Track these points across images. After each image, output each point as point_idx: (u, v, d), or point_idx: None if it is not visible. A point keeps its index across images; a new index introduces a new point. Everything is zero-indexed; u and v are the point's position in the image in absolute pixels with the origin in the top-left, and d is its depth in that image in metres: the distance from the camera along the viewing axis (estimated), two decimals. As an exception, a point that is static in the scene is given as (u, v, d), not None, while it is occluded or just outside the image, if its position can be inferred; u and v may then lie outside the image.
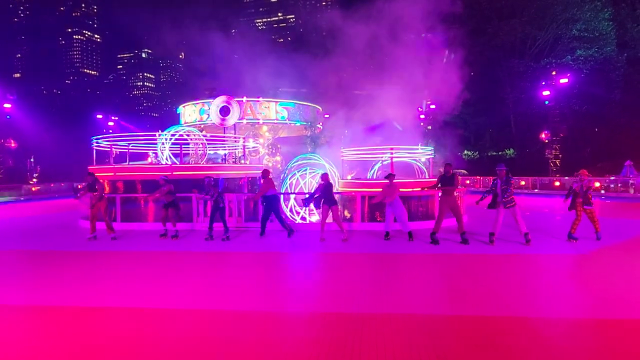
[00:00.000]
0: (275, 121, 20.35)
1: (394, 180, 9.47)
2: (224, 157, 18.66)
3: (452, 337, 4.16)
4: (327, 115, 26.00)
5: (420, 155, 13.83)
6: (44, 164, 42.81)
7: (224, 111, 17.85)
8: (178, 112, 22.79)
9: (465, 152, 38.38)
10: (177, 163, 13.79)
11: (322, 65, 24.95)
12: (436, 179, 9.39)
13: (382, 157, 13.42)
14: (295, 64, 28.41)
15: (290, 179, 12.82)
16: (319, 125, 22.75)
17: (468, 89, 22.19)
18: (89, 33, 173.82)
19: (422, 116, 32.61)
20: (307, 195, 10.15)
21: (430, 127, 33.71)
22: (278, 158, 21.60)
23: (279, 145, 22.47)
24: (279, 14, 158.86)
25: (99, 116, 43.86)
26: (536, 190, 25.03)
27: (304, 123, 21.27)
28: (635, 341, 4.05)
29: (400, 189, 9.78)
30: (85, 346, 4.05)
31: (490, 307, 5.01)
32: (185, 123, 20.50)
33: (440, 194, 9.09)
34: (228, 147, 17.63)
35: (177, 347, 3.99)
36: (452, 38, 23.81)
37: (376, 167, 13.90)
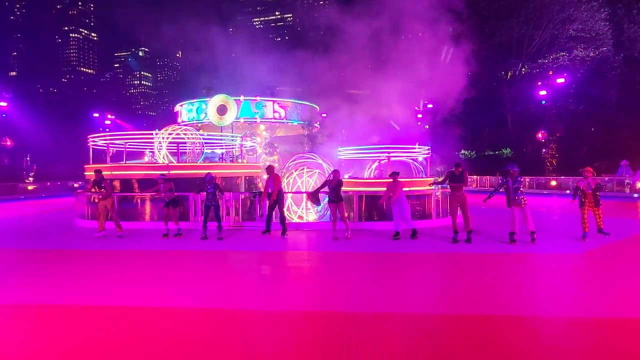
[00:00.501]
0: (273, 120, 20.30)
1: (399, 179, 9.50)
2: (221, 156, 18.61)
3: (451, 336, 4.16)
4: (324, 115, 25.96)
5: (417, 154, 13.85)
6: (40, 162, 42.56)
7: (221, 110, 17.81)
8: (175, 111, 22.71)
9: (463, 151, 38.46)
10: (174, 162, 13.75)
11: (319, 64, 24.93)
12: (443, 177, 9.49)
13: (379, 156, 13.42)
14: (293, 63, 28.38)
15: (287, 178, 12.81)
16: (316, 125, 22.72)
17: (465, 88, 22.21)
18: (86, 31, 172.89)
19: (420, 115, 32.68)
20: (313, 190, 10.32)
21: (427, 127, 33.77)
22: (275, 157, 21.53)
23: (276, 145, 22.39)
24: (277, 13, 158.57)
25: (96, 115, 43.67)
26: (533, 190, 25.19)
27: (302, 122, 21.24)
28: (633, 340, 4.07)
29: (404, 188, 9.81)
30: (83, 344, 4.03)
31: (489, 306, 5.01)
32: (182, 122, 20.43)
33: (449, 192, 9.14)
34: (225, 146, 17.58)
35: (175, 346, 3.97)
36: (450, 37, 23.84)
37: (373, 166, 13.91)
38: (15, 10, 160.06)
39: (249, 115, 19.65)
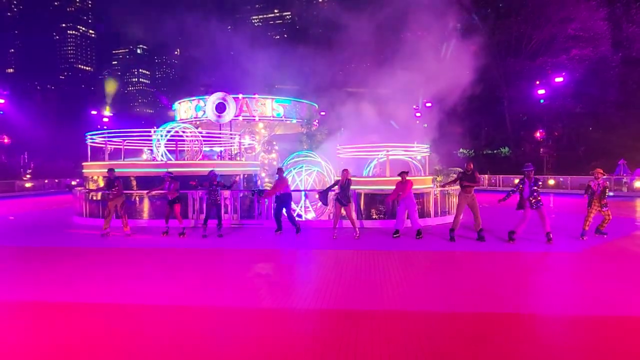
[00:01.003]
0: (271, 118, 20.28)
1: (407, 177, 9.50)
2: (219, 154, 18.57)
3: (449, 334, 4.16)
4: (323, 113, 25.94)
5: (416, 153, 13.85)
6: (38, 160, 42.42)
7: (220, 108, 17.77)
8: (174, 109, 22.66)
9: (461, 150, 38.49)
10: (173, 159, 13.72)
11: (318, 62, 24.90)
12: (455, 176, 9.49)
13: (378, 154, 13.42)
14: (292, 61, 28.33)
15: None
16: (315, 123, 22.70)
17: (464, 87, 22.21)
18: (84, 28, 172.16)
19: (418, 114, 32.67)
20: (323, 189, 10.45)
21: (426, 125, 33.74)
22: (274, 155, 21.50)
23: (274, 143, 22.37)
24: (275, 11, 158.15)
25: (94, 112, 43.54)
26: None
27: (300, 120, 21.22)
28: (633, 339, 4.08)
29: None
30: (80, 343, 4.01)
31: (489, 304, 5.02)
32: (181, 119, 20.38)
33: (460, 191, 9.15)
34: (224, 143, 17.55)
35: (175, 344, 3.96)
36: (450, 36, 23.87)
37: (372, 164, 13.90)
38: (12, 6, 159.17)
39: (247, 113, 19.62)
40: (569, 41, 33.47)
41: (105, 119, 43.71)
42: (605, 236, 8.98)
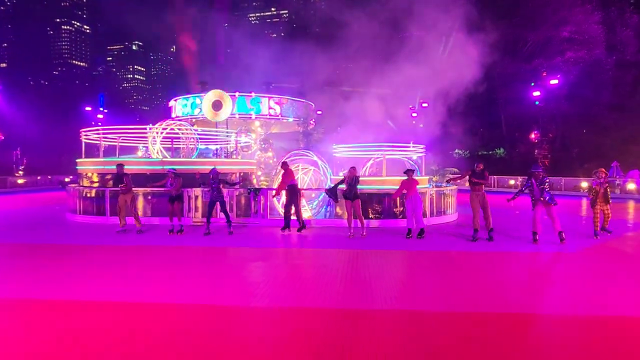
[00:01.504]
0: (268, 117, 20.22)
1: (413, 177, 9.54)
2: (215, 151, 18.49)
3: (449, 334, 4.17)
4: (319, 112, 25.91)
5: (412, 153, 13.87)
6: (31, 156, 41.93)
7: (216, 106, 17.68)
8: (170, 106, 22.52)
9: (457, 150, 38.65)
10: (168, 157, 13.64)
11: (315, 61, 24.86)
12: (461, 174, 9.55)
13: (374, 154, 13.43)
14: (289, 60, 28.26)
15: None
16: (311, 121, 22.67)
17: (461, 87, 22.29)
18: (78, 23, 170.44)
19: (415, 114, 32.75)
20: (331, 186, 10.44)
21: (422, 125, 33.82)
22: (270, 154, 21.45)
23: (271, 141, 22.30)
24: (272, 9, 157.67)
25: (88, 108, 43.15)
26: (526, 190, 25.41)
27: (297, 119, 21.18)
28: (633, 338, 4.12)
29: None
30: (78, 342, 3.98)
31: (489, 304, 5.04)
32: (177, 117, 20.26)
33: (470, 190, 9.20)
34: (220, 141, 17.47)
35: (174, 343, 3.94)
36: (446, 37, 23.91)
37: (368, 164, 13.91)
38: (6, 0, 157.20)
39: (244, 111, 19.56)
40: (564, 44, 33.71)
41: (100, 115, 43.34)
42: (610, 234, 9.25)
